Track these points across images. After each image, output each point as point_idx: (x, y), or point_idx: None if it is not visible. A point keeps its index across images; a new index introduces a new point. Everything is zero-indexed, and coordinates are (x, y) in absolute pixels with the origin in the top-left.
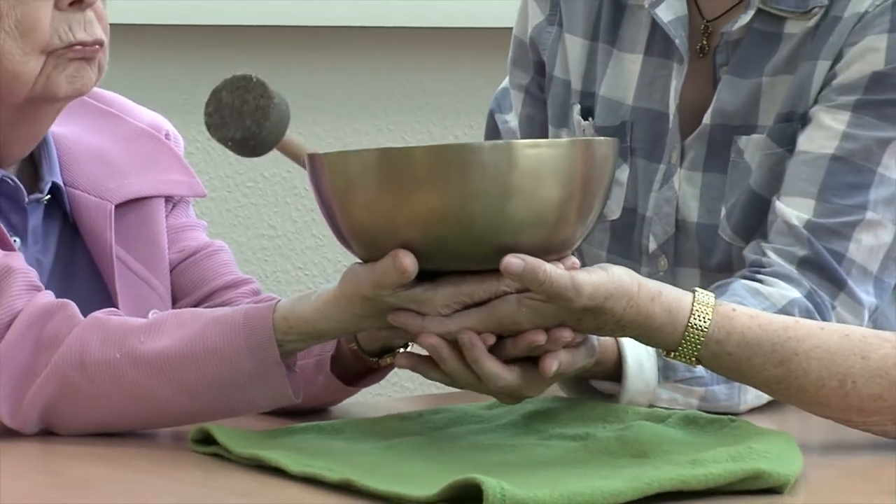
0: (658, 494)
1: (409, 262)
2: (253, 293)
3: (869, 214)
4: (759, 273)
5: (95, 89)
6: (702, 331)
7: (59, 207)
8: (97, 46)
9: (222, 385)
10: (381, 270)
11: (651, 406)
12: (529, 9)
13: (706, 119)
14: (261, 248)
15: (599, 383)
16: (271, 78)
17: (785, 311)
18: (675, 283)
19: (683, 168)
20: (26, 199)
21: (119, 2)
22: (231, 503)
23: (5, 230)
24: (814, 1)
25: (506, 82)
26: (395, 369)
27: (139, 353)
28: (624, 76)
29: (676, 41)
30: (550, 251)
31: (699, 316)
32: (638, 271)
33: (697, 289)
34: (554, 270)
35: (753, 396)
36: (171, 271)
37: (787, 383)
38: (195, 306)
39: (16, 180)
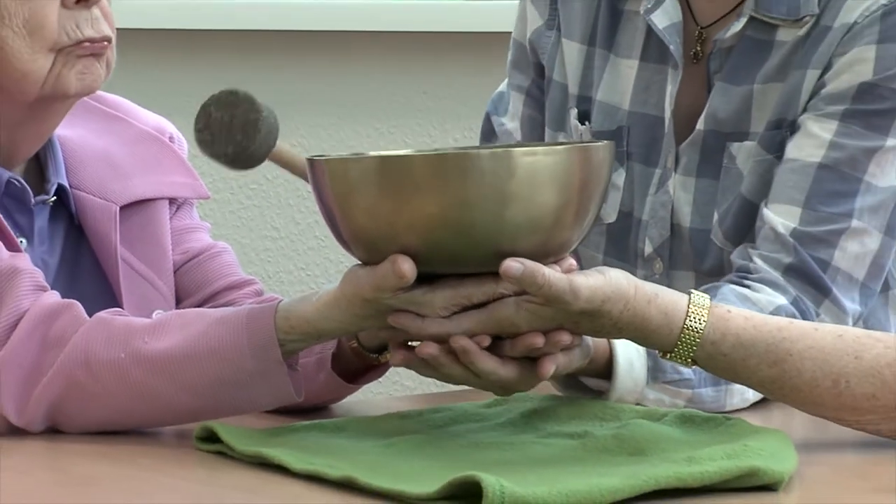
0: (655, 491)
1: (407, 267)
2: (256, 294)
3: (854, 223)
4: (747, 279)
5: (100, 93)
6: (697, 332)
7: (65, 209)
8: (105, 43)
9: (225, 384)
10: (381, 274)
11: (639, 405)
12: (528, 13)
13: (699, 125)
14: (264, 249)
15: (589, 380)
16: (273, 81)
17: None
18: (670, 286)
19: (678, 173)
20: (33, 201)
21: (123, 6)
22: (234, 500)
23: (12, 231)
24: (805, 9)
25: (503, 85)
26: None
27: (143, 352)
28: (620, 81)
29: (671, 47)
30: (548, 254)
31: (695, 318)
32: (633, 274)
33: (693, 291)
34: (552, 274)
35: (739, 399)
36: (174, 272)
37: (782, 383)
38: (198, 307)
39: (22, 182)
